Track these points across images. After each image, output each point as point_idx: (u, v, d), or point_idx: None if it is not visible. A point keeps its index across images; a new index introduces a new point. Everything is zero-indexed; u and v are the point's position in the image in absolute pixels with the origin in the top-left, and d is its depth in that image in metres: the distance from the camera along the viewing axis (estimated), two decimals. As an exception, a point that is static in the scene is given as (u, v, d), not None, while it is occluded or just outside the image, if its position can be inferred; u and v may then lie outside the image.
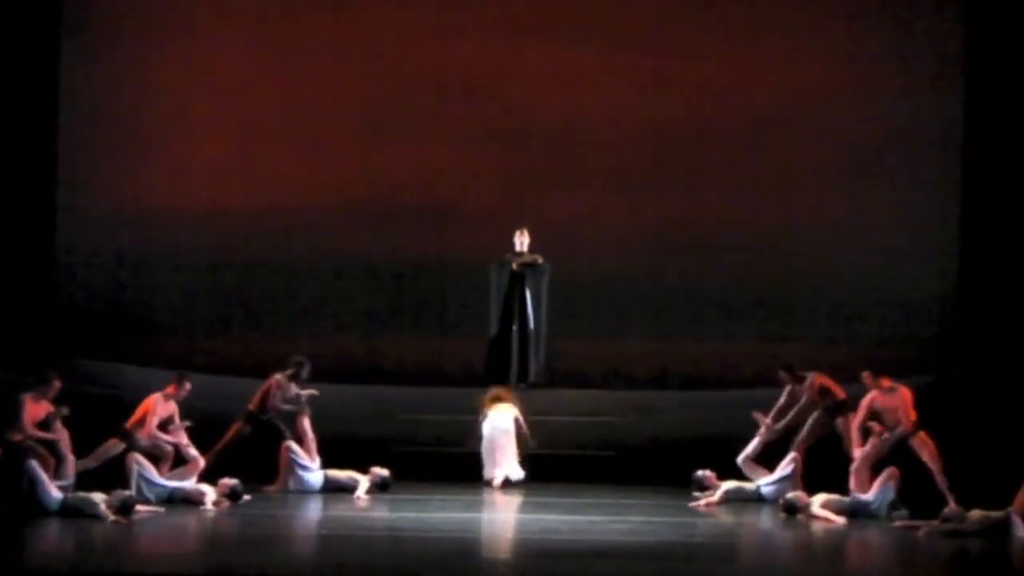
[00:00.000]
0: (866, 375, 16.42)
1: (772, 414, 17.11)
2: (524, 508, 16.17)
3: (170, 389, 16.36)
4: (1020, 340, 19.40)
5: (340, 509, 15.93)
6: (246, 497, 16.09)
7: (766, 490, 16.77)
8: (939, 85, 21.03)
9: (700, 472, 16.86)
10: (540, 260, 19.78)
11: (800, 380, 17.11)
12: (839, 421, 16.74)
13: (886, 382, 16.26)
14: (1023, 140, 20.33)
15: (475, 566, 13.24)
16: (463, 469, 17.54)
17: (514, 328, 19.50)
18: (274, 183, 21.22)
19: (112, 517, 14.58)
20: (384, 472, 16.99)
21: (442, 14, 21.37)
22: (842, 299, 20.92)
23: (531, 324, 19.56)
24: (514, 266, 19.72)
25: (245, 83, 21.29)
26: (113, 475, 15.79)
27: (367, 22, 21.37)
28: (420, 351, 20.86)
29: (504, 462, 17.57)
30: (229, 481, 16.05)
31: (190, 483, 16.06)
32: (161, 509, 15.44)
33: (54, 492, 14.87)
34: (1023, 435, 16.41)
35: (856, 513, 15.63)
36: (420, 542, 13.80)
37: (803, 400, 17.00)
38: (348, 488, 16.87)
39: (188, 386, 16.40)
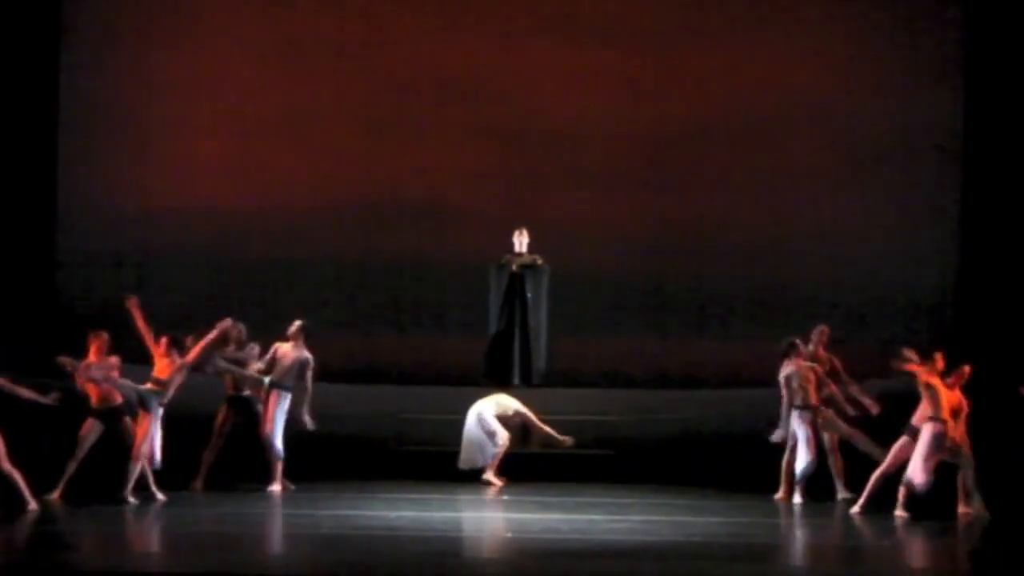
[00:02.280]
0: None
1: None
2: (524, 508, 16.15)
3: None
4: (1020, 340, 19.40)
5: (339, 509, 15.91)
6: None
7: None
8: (939, 85, 21.05)
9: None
10: (540, 261, 19.77)
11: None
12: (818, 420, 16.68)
13: None
14: (1023, 140, 20.35)
15: (475, 566, 13.26)
16: (463, 469, 17.52)
17: (515, 329, 19.51)
18: (274, 182, 21.25)
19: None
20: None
21: (442, 14, 21.40)
22: (842, 299, 20.91)
23: (531, 325, 19.57)
24: (514, 267, 19.71)
25: (245, 83, 21.32)
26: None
27: (367, 22, 21.40)
28: (420, 351, 20.86)
29: (469, 450, 17.46)
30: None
31: None
32: (163, 497, 15.57)
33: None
34: (1023, 435, 16.40)
35: None
36: (420, 542, 13.79)
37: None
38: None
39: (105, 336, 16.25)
